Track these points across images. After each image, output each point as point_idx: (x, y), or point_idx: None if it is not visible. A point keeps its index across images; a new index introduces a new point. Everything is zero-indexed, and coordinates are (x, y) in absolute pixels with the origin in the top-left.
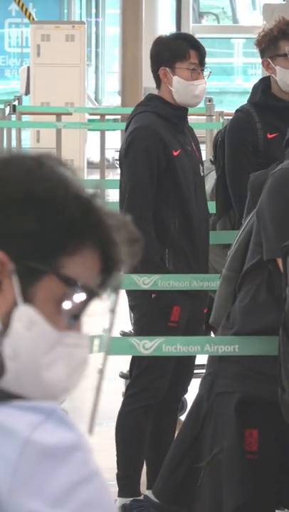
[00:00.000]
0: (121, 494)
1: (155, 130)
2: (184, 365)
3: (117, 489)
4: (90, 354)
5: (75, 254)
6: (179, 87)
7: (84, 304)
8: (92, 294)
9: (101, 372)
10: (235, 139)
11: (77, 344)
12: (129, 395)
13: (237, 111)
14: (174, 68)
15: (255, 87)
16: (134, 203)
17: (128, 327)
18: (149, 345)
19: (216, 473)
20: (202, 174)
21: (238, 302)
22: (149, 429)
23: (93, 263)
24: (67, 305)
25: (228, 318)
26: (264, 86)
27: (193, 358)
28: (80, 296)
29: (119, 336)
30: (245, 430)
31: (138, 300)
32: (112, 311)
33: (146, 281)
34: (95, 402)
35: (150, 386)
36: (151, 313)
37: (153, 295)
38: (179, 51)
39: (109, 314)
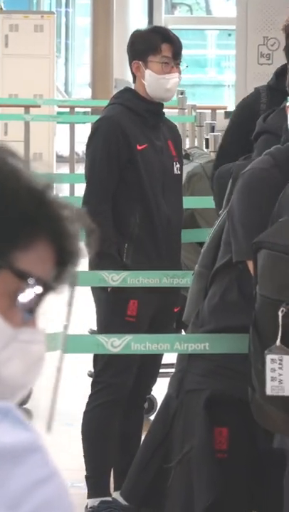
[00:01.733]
0: (90, 495)
1: (117, 122)
2: (149, 363)
3: (85, 491)
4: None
5: (28, 248)
6: (151, 80)
7: (39, 299)
8: (47, 288)
9: (59, 370)
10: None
11: (32, 340)
12: (93, 393)
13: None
14: (147, 62)
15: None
16: (91, 193)
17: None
18: (117, 343)
19: (186, 472)
20: (177, 172)
21: (208, 300)
22: (116, 426)
23: (48, 256)
24: (21, 300)
25: (197, 315)
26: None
27: (160, 355)
28: (34, 291)
29: (88, 333)
30: (214, 428)
31: (97, 295)
32: (69, 305)
33: (115, 278)
34: (52, 402)
35: (113, 381)
36: (107, 308)
37: (109, 289)
38: (151, 44)
39: (66, 309)
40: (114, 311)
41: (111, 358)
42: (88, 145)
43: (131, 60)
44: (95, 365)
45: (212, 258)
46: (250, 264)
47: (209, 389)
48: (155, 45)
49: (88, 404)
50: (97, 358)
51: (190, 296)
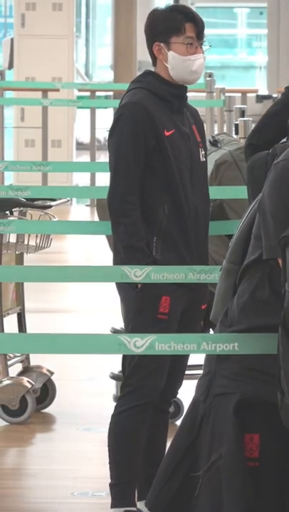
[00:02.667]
0: (114, 504)
1: (143, 106)
2: (175, 364)
3: (107, 501)
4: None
5: None
6: (174, 63)
7: None
8: None
9: None
10: None
11: None
12: (122, 396)
13: None
14: (169, 43)
15: None
16: (118, 183)
17: (120, 323)
18: (140, 344)
19: (214, 482)
20: (203, 159)
21: (237, 298)
22: (145, 431)
23: None
24: None
25: (226, 314)
26: None
27: (186, 356)
28: None
29: (110, 332)
30: (245, 435)
31: (125, 292)
32: None
33: (137, 274)
34: None
35: (144, 384)
36: (137, 306)
37: (138, 285)
38: (173, 25)
39: None
40: (146, 308)
41: (141, 358)
42: (112, 133)
43: (151, 42)
44: (123, 367)
45: (241, 253)
46: (281, 261)
47: (239, 393)
48: (178, 25)
49: (117, 407)
50: (126, 359)
51: (217, 293)
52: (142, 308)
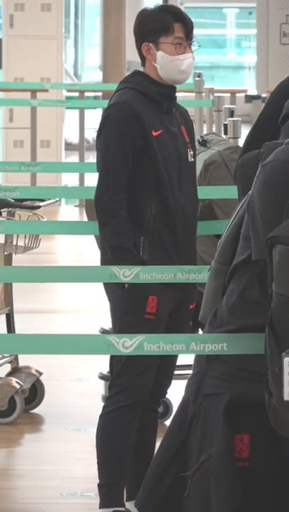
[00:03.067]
0: (102, 505)
1: (131, 106)
2: (164, 365)
3: (95, 501)
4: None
5: None
6: (163, 62)
7: None
8: None
9: None
10: None
11: None
12: (110, 396)
13: None
14: (158, 43)
15: None
16: (105, 183)
17: (109, 324)
18: (129, 344)
19: (204, 482)
20: (191, 159)
21: (226, 298)
22: (134, 431)
23: None
24: None
25: (215, 315)
26: None
27: (175, 356)
28: None
29: (99, 333)
30: (235, 435)
31: (112, 292)
32: None
33: (126, 274)
34: None
35: (132, 384)
36: (125, 305)
37: (126, 285)
38: (162, 25)
39: None
40: (133, 308)
41: (129, 358)
42: (99, 133)
43: (140, 42)
44: (112, 367)
45: (230, 254)
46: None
47: (229, 393)
48: (167, 25)
49: (105, 407)
50: (113, 359)
51: (206, 294)
52: (129, 308)
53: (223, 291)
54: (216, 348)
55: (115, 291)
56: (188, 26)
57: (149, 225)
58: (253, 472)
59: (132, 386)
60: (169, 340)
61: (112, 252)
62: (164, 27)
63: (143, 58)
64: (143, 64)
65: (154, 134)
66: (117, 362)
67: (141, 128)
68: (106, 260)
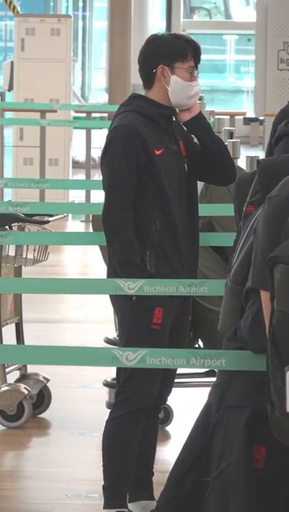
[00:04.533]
0: (106, 506)
1: (134, 128)
2: (165, 373)
3: (99, 502)
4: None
5: None
6: (176, 87)
7: None
8: None
9: None
10: None
11: None
12: (117, 402)
13: None
14: (174, 67)
15: None
16: (112, 202)
17: (113, 333)
18: (132, 357)
19: (223, 489)
20: (189, 173)
21: (244, 320)
22: (139, 436)
23: None
24: None
25: (235, 333)
26: None
27: None
28: None
29: (104, 342)
30: (253, 446)
31: (119, 303)
32: None
33: (131, 286)
34: None
35: (139, 390)
36: (132, 316)
37: (134, 297)
38: (180, 51)
39: None
40: (140, 319)
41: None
42: (104, 154)
43: (154, 63)
44: (118, 375)
45: (244, 276)
46: (264, 295)
47: (251, 407)
48: (185, 52)
49: (112, 413)
50: (121, 368)
51: (225, 310)
52: (136, 319)
53: (242, 310)
54: (215, 363)
55: (122, 302)
56: (199, 56)
57: (154, 240)
58: (267, 482)
59: (137, 393)
60: (170, 354)
61: (121, 267)
62: (181, 53)
63: (151, 81)
64: (148, 86)
65: (157, 152)
66: (124, 370)
67: (144, 148)
68: (113, 274)
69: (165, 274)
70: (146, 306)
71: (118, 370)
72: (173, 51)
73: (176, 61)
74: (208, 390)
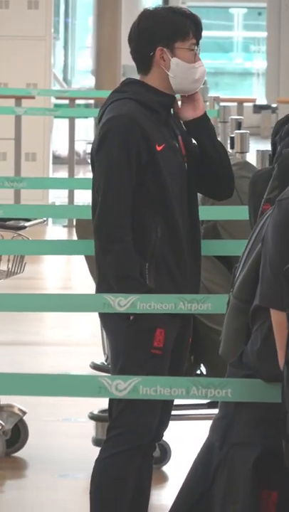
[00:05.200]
0: None
1: (134, 119)
2: (161, 405)
3: None
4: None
5: None
6: (178, 70)
7: None
8: None
9: None
10: None
11: None
12: (109, 438)
13: None
14: (174, 49)
15: None
16: (109, 206)
17: (101, 357)
18: (122, 387)
19: None
20: (190, 173)
21: (250, 345)
22: (133, 478)
23: None
24: None
25: (240, 359)
26: None
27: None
28: None
29: (90, 367)
30: (262, 491)
31: (113, 324)
32: None
33: (122, 303)
34: None
35: (135, 425)
36: (129, 339)
37: (131, 317)
38: (180, 29)
39: None
40: (139, 342)
41: None
42: (98, 149)
43: (152, 45)
44: (110, 406)
45: (250, 291)
46: (275, 315)
47: (260, 445)
48: (186, 29)
49: (103, 451)
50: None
51: (227, 331)
52: (134, 342)
53: (247, 331)
54: (219, 393)
55: (116, 322)
56: (200, 32)
57: (154, 249)
58: None
59: (133, 429)
60: (168, 383)
61: (118, 283)
62: (182, 31)
63: (147, 65)
64: (144, 71)
65: (158, 148)
66: (118, 401)
67: (146, 142)
68: (104, 290)
69: (166, 288)
70: (145, 327)
71: (111, 400)
72: (172, 29)
73: (177, 40)
74: (210, 423)
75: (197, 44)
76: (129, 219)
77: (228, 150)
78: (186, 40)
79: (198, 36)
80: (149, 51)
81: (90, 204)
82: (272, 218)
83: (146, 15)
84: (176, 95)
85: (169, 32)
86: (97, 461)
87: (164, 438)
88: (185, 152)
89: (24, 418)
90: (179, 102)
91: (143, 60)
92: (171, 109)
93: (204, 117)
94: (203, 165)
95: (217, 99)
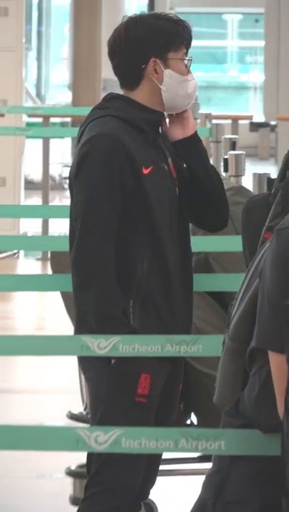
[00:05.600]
0: None
1: (118, 139)
2: (147, 459)
3: None
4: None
5: None
6: (171, 83)
7: None
8: None
9: None
10: None
11: None
12: (88, 497)
13: None
14: (167, 60)
15: None
16: (89, 236)
17: (79, 406)
18: (103, 439)
19: None
20: (181, 200)
21: (248, 390)
22: None
23: None
24: None
25: (236, 407)
26: None
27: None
28: None
29: (66, 417)
30: None
31: (93, 369)
32: None
33: (102, 345)
34: None
35: (117, 482)
36: (110, 386)
37: (113, 360)
38: (173, 38)
39: None
40: (121, 389)
41: None
42: (78, 172)
43: (143, 57)
44: (89, 461)
45: (247, 331)
46: (274, 358)
47: (257, 502)
48: (179, 38)
49: (81, 510)
50: (93, 452)
51: (222, 376)
52: (116, 389)
53: (244, 375)
54: (211, 446)
55: (96, 367)
56: (190, 43)
57: (140, 285)
58: None
59: (115, 486)
60: (154, 435)
61: (97, 322)
62: (175, 41)
63: (137, 79)
64: (131, 86)
65: (145, 171)
66: (98, 455)
67: (131, 164)
68: (84, 330)
69: (153, 329)
70: (129, 372)
71: (90, 454)
72: (165, 39)
73: (170, 50)
74: (202, 479)
75: (186, 54)
76: (112, 250)
77: (221, 173)
78: (179, 50)
79: (188, 46)
80: (141, 63)
81: (67, 234)
82: (270, 250)
83: (135, 23)
84: (163, 112)
85: (162, 41)
86: None
87: (150, 496)
88: (176, 175)
89: None
90: (167, 120)
91: (131, 73)
92: (160, 128)
93: (194, 137)
94: (193, 191)
95: (209, 117)
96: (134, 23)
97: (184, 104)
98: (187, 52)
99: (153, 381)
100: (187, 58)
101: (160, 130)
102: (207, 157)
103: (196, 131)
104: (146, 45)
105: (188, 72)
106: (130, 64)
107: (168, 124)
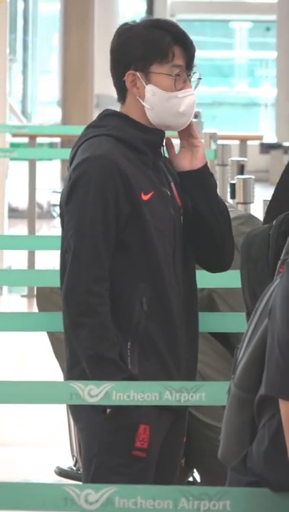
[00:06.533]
0: None
1: (112, 160)
2: None
3: None
4: None
5: None
6: (155, 101)
7: None
8: None
9: None
10: None
11: None
12: None
13: None
14: (149, 73)
15: None
16: (82, 269)
17: (68, 461)
18: (94, 498)
19: None
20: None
21: (257, 444)
22: None
23: None
24: None
25: (244, 462)
26: None
27: None
28: None
29: (54, 473)
30: None
31: (85, 419)
32: None
33: (93, 392)
34: None
35: None
36: (105, 438)
37: (108, 410)
38: (157, 47)
39: None
40: (117, 442)
41: None
42: (70, 198)
43: (121, 68)
44: None
45: (255, 378)
46: (285, 407)
47: None
48: (164, 48)
49: None
50: None
51: (228, 428)
52: (111, 442)
53: (252, 427)
54: (215, 506)
55: (89, 416)
56: (190, 51)
57: (139, 325)
58: None
59: None
60: (151, 494)
61: (90, 365)
62: (159, 51)
63: (123, 92)
64: (122, 100)
65: (144, 198)
66: None
67: (127, 190)
68: (76, 376)
69: (153, 375)
70: (126, 423)
71: None
72: (146, 49)
73: (152, 63)
74: None
75: (188, 68)
76: (107, 285)
77: (227, 200)
78: (166, 63)
79: (188, 57)
80: (120, 75)
81: (56, 268)
82: (281, 286)
83: (120, 31)
84: (165, 131)
85: (142, 51)
86: None
87: None
88: (181, 202)
89: None
90: (177, 143)
91: (117, 86)
92: (162, 148)
93: (202, 171)
94: (195, 226)
95: (214, 137)
96: (123, 30)
97: (177, 124)
98: (188, 64)
99: (153, 433)
100: (178, 72)
101: (162, 151)
102: (215, 195)
103: (205, 164)
104: (124, 55)
105: (183, 87)
106: (113, 75)
107: (176, 150)
